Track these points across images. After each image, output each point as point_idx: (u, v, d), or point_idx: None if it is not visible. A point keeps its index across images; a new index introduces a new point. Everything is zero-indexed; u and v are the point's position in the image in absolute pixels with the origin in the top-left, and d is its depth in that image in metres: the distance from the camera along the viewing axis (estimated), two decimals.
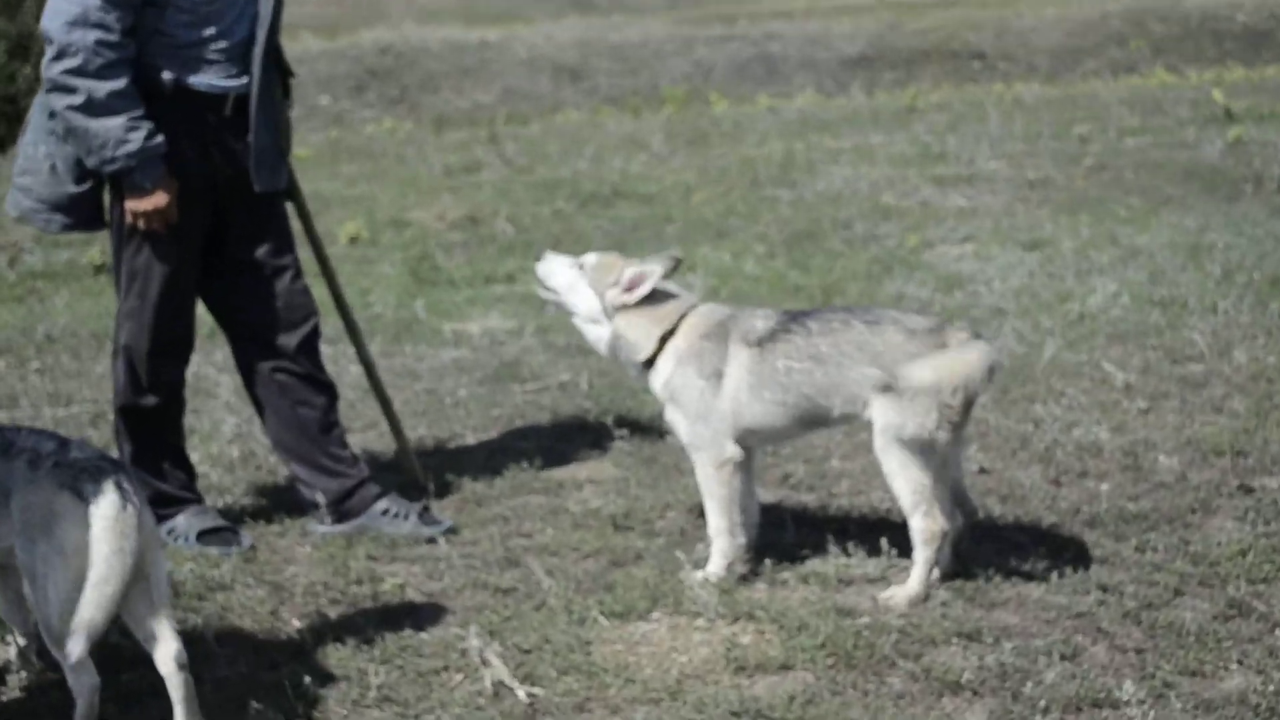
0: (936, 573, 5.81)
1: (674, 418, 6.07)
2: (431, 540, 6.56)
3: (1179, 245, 11.35)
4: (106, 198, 6.32)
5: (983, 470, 7.12)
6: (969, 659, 5.25)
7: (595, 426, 7.94)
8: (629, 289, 6.08)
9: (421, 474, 7.20)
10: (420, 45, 28.72)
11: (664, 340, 6.04)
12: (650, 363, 6.09)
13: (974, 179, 14.36)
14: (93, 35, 5.95)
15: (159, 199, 6.14)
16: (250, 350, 6.63)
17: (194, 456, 7.13)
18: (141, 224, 6.19)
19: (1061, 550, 6.12)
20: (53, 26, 5.95)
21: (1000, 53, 26.77)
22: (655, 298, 6.08)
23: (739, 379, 5.89)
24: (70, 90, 5.96)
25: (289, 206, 6.76)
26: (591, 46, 28.70)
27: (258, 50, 6.24)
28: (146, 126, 6.04)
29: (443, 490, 7.13)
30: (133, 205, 6.16)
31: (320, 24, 33.33)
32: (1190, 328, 9.11)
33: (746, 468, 6.08)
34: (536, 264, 6.44)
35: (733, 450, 5.96)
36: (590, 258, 6.25)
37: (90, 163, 6.10)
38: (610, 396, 8.48)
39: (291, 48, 24.82)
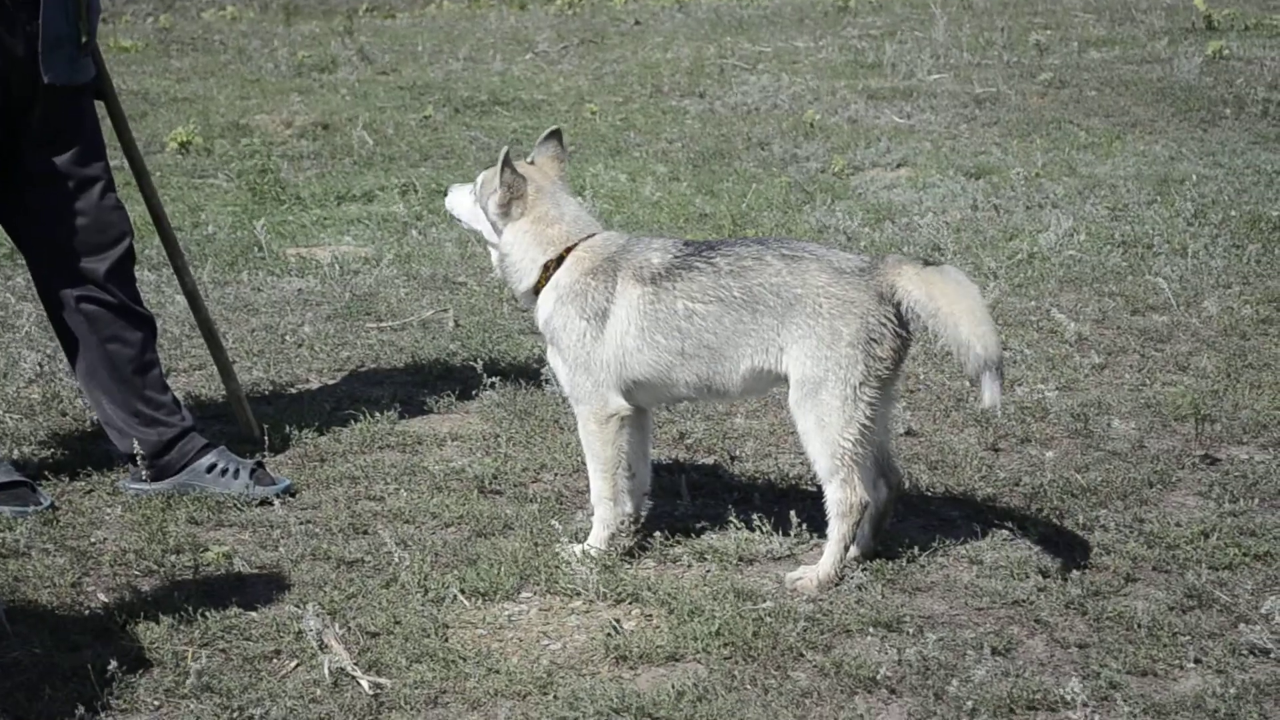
0: (853, 551, 5.85)
1: (555, 363, 6.09)
2: (265, 502, 6.53)
3: (1146, 176, 11.47)
4: None
5: (910, 432, 7.17)
6: (887, 652, 5.29)
7: (462, 373, 7.92)
8: (498, 187, 6.07)
9: (255, 424, 7.16)
10: None
11: (549, 269, 6.03)
12: (536, 293, 6.08)
13: (912, 93, 14.42)
14: None
15: None
16: (53, 276, 6.55)
17: None
18: None
19: (997, 528, 6.17)
20: None
21: None
22: (547, 217, 6.07)
23: (627, 321, 5.88)
24: None
25: (99, 106, 6.66)
26: None
27: None
28: None
29: (280, 444, 7.09)
30: None
31: None
32: (1155, 272, 9.22)
33: (639, 425, 6.09)
34: (445, 199, 6.50)
35: (618, 404, 5.97)
36: (480, 175, 6.25)
37: None
38: (480, 338, 8.46)
39: None
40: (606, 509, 6.02)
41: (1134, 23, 17.51)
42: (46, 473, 6.78)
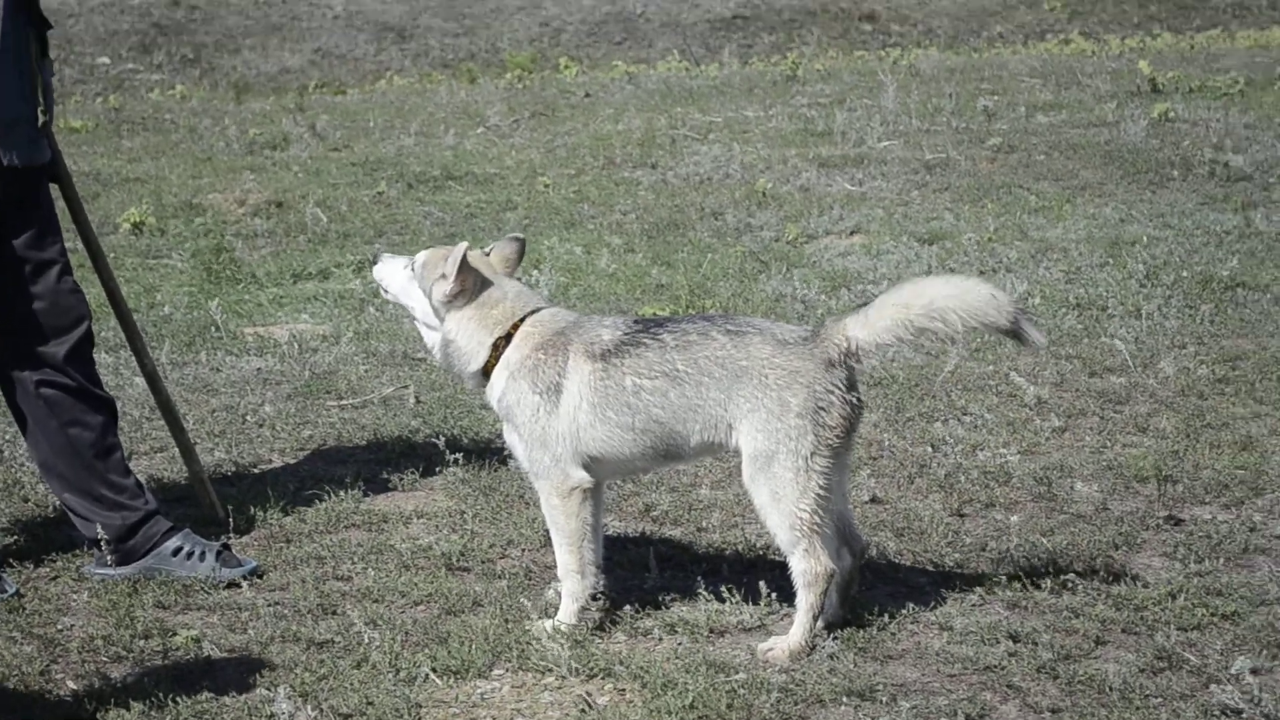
0: (821, 622, 5.85)
1: (512, 440, 6.10)
2: (232, 584, 6.50)
3: (1097, 239, 11.54)
4: None
5: (875, 500, 7.19)
6: None
7: (424, 449, 7.91)
8: (450, 280, 6.06)
9: (219, 506, 7.12)
10: None
11: (498, 348, 6.04)
12: (486, 373, 6.08)
13: (863, 161, 14.48)
14: None
15: None
16: (10, 361, 6.52)
17: None
18: None
19: (966, 593, 6.18)
20: None
21: (895, 14, 27.03)
22: (490, 299, 6.07)
23: (580, 397, 5.90)
24: None
25: (54, 189, 6.65)
26: (420, 1, 28.62)
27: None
28: None
29: (245, 525, 7.06)
30: None
31: None
32: (1110, 334, 9.28)
33: (595, 497, 6.10)
34: (373, 268, 6.49)
35: (579, 476, 5.97)
36: (421, 255, 6.25)
37: None
38: (442, 414, 8.46)
39: None
40: (574, 582, 6.02)
41: (1080, 87, 17.62)
42: (10, 560, 6.74)
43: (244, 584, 6.49)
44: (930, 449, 7.73)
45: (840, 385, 5.75)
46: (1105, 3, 27.28)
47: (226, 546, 6.71)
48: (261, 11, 27.61)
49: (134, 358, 7.33)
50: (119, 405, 6.78)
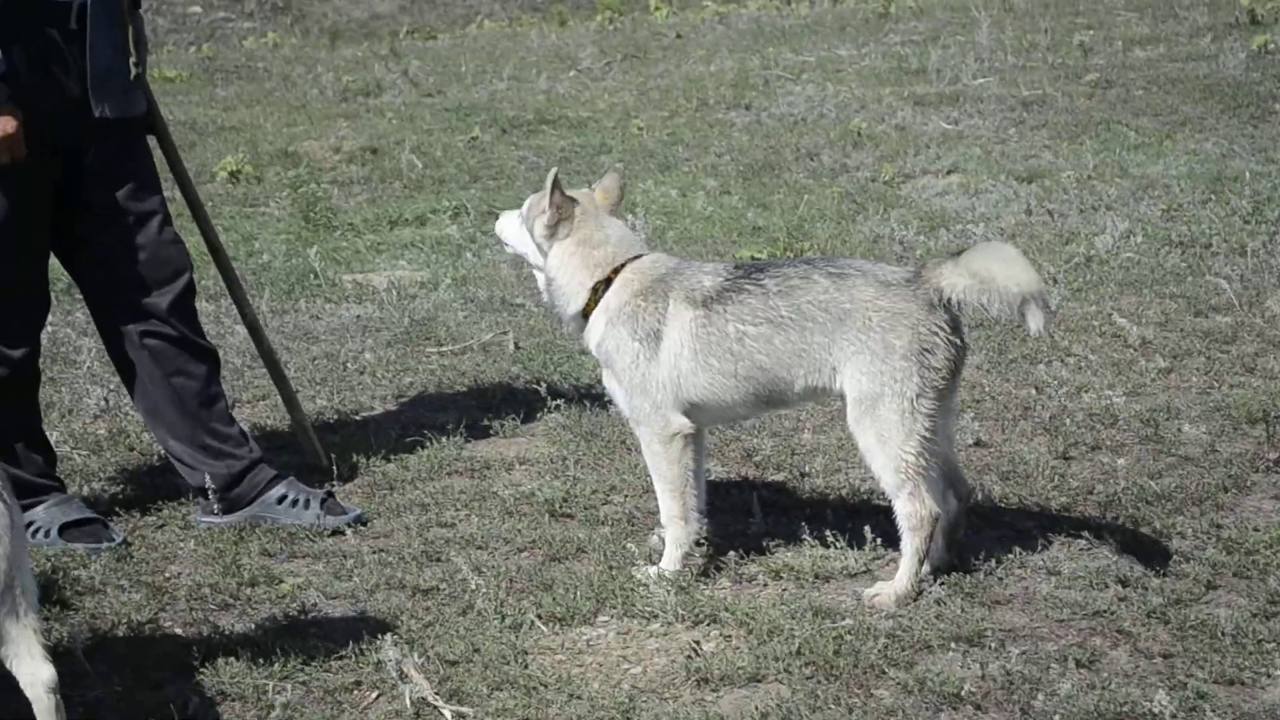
0: (927, 567, 5.80)
1: (611, 386, 6.08)
2: (337, 532, 6.52)
3: (1199, 175, 11.40)
4: None
5: (979, 443, 7.13)
6: (970, 667, 5.25)
7: (526, 395, 7.90)
8: (546, 207, 6.05)
9: (323, 454, 7.14)
10: None
11: (598, 292, 6.01)
12: (585, 316, 6.06)
13: (959, 99, 14.37)
14: None
15: (6, 124, 6.02)
16: (114, 313, 6.54)
17: (53, 436, 7.06)
18: None
19: (1074, 538, 6.12)
20: None
21: None
22: (593, 239, 6.05)
23: (680, 344, 5.87)
24: None
25: (151, 140, 6.66)
26: None
27: None
28: None
29: (348, 473, 7.08)
30: None
31: None
32: (1215, 273, 9.16)
33: (697, 443, 6.07)
34: (495, 225, 6.52)
35: (680, 422, 5.94)
36: (529, 198, 6.24)
37: None
38: (541, 360, 8.45)
39: None
40: (678, 528, 5.99)
41: (1177, 19, 17.42)
42: (117, 509, 6.78)
43: (349, 531, 6.50)
44: (1034, 391, 7.66)
45: (944, 327, 5.69)
46: None
47: (331, 494, 6.73)
48: None
49: (234, 307, 7.34)
50: (221, 354, 6.79)
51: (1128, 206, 10.72)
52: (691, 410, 5.95)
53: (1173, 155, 12.06)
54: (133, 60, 6.37)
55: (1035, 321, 5.64)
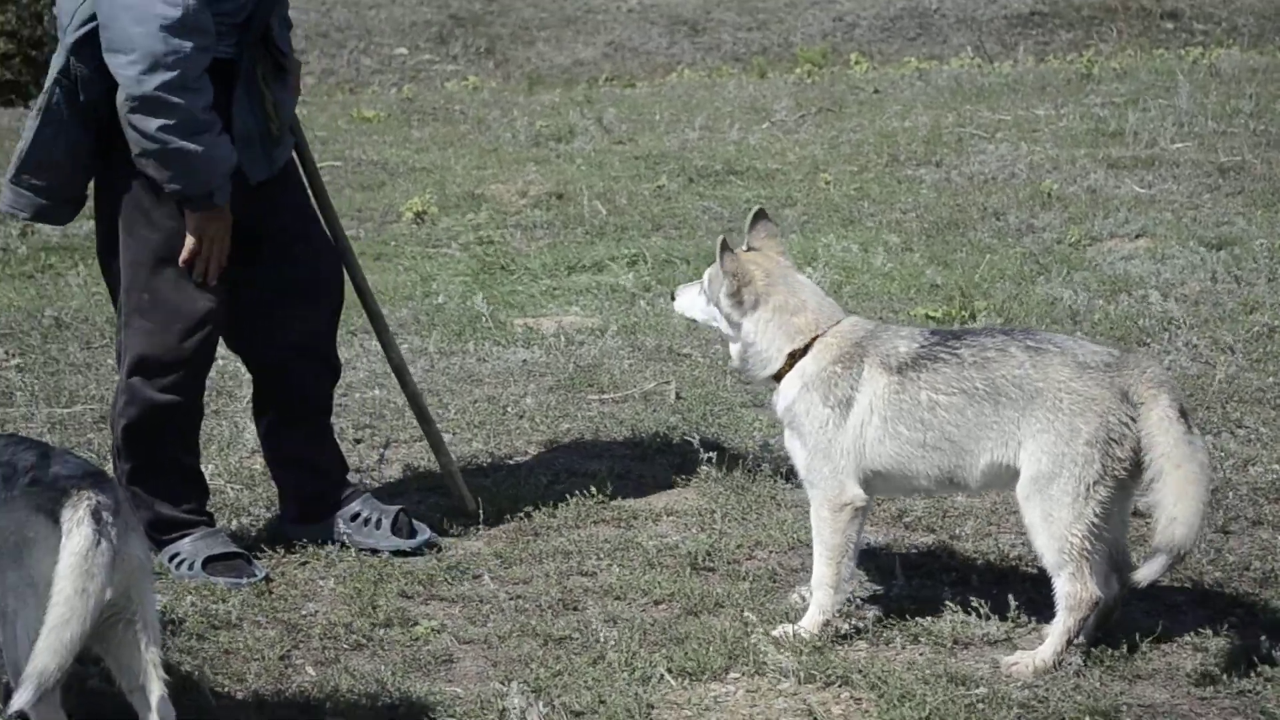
0: (1075, 649, 5.66)
1: (792, 446, 6.02)
2: (475, 577, 6.52)
3: None
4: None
5: (1136, 513, 6.93)
6: None
7: (680, 447, 7.86)
8: (733, 295, 6.02)
9: (469, 498, 7.14)
10: None
11: (794, 358, 5.97)
12: (777, 379, 6.02)
13: (1155, 162, 14.14)
14: (191, 43, 5.98)
15: (227, 215, 6.27)
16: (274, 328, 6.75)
17: (208, 469, 7.14)
18: (206, 247, 6.26)
19: (1225, 614, 5.97)
20: (140, 32, 5.93)
21: (1197, 11, 26.43)
22: (790, 305, 6.00)
23: (870, 410, 5.82)
24: (167, 108, 5.99)
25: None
26: None
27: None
28: (227, 138, 6.16)
29: (495, 517, 7.08)
30: (203, 227, 6.24)
31: None
32: None
33: (863, 516, 6.01)
34: (674, 304, 6.52)
35: (854, 492, 5.88)
36: (708, 272, 6.21)
37: (175, 187, 6.13)
38: (701, 411, 8.41)
39: None
40: (826, 595, 5.92)
41: None
42: (262, 545, 6.82)
43: (488, 576, 6.50)
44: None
45: (1134, 419, 5.58)
46: None
47: (404, 512, 6.84)
48: (557, 4, 27.85)
49: (382, 350, 7.39)
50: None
51: None
52: (872, 480, 5.89)
53: None
54: (271, 122, 6.45)
55: (1150, 572, 5.50)
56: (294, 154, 6.75)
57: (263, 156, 6.39)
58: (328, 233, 6.82)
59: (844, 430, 5.84)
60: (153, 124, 5.98)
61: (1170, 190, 13.25)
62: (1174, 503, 5.44)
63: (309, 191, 6.79)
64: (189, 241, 6.24)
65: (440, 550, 6.72)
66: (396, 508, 6.83)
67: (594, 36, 26.49)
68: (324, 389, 6.86)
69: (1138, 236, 11.87)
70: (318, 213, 6.79)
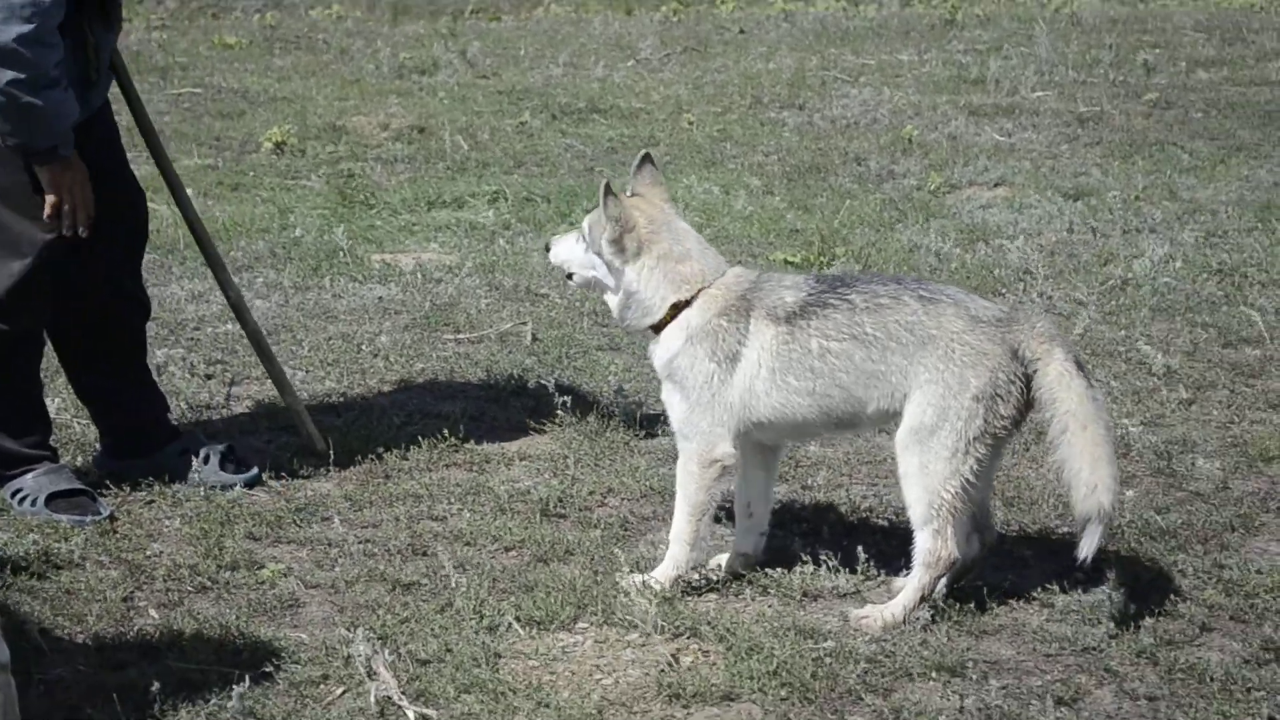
0: (926, 607, 5.63)
1: (671, 399, 5.91)
2: (324, 519, 6.44)
3: (1248, 202, 11.20)
4: None
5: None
6: (949, 698, 5.13)
7: (536, 390, 7.78)
8: (614, 241, 5.91)
9: (318, 437, 7.05)
10: None
11: (676, 309, 5.88)
12: (657, 329, 5.93)
13: (1015, 110, 14.19)
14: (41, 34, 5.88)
15: (80, 164, 6.16)
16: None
17: (52, 403, 7.00)
18: (67, 199, 6.14)
19: (1070, 570, 5.95)
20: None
21: None
22: (674, 253, 5.90)
23: (759, 363, 5.73)
24: (19, 61, 5.82)
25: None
26: None
27: None
28: (72, 94, 6.05)
29: (346, 458, 6.98)
30: (58, 180, 6.12)
31: None
32: (1250, 303, 8.97)
33: (765, 464, 5.98)
34: (549, 256, 6.33)
35: (725, 449, 5.79)
36: (586, 219, 6.08)
37: (16, 140, 6.00)
38: (557, 353, 8.34)
39: None
40: (682, 550, 5.86)
41: (1245, 43, 17.19)
42: (107, 481, 6.70)
43: (337, 519, 6.41)
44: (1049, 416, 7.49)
45: (1021, 377, 5.55)
46: None
47: (232, 448, 6.82)
48: None
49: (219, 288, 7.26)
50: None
51: (1171, 230, 10.53)
52: (757, 429, 5.82)
53: (1224, 180, 11.86)
54: (92, 69, 6.30)
55: (1089, 546, 5.48)
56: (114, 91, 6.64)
57: (80, 100, 6.23)
58: (132, 172, 6.69)
59: (729, 385, 5.75)
60: (3, 77, 5.83)
61: (1029, 139, 13.31)
62: (1090, 469, 5.43)
63: (115, 129, 6.65)
64: (49, 198, 6.11)
65: (262, 483, 6.67)
66: (224, 444, 6.79)
67: None
68: (134, 324, 6.76)
69: (996, 185, 11.91)
70: (123, 151, 6.65)
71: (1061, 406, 5.48)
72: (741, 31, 18.72)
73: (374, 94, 15.17)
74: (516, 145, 13.23)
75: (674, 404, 5.88)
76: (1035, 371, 5.51)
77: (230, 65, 16.50)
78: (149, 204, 6.86)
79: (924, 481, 5.57)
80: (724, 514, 6.10)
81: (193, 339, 8.52)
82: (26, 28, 5.78)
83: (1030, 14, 19.36)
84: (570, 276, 6.20)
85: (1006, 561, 6.09)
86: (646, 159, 6.12)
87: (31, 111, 5.90)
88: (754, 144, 13.26)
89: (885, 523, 6.40)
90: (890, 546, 5.99)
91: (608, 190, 5.86)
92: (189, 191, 7.15)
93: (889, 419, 5.73)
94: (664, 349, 5.89)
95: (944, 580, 5.64)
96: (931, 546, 5.59)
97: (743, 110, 14.54)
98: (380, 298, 9.24)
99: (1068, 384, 5.49)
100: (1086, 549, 5.47)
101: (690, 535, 5.84)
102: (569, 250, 6.14)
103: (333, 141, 13.29)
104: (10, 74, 5.82)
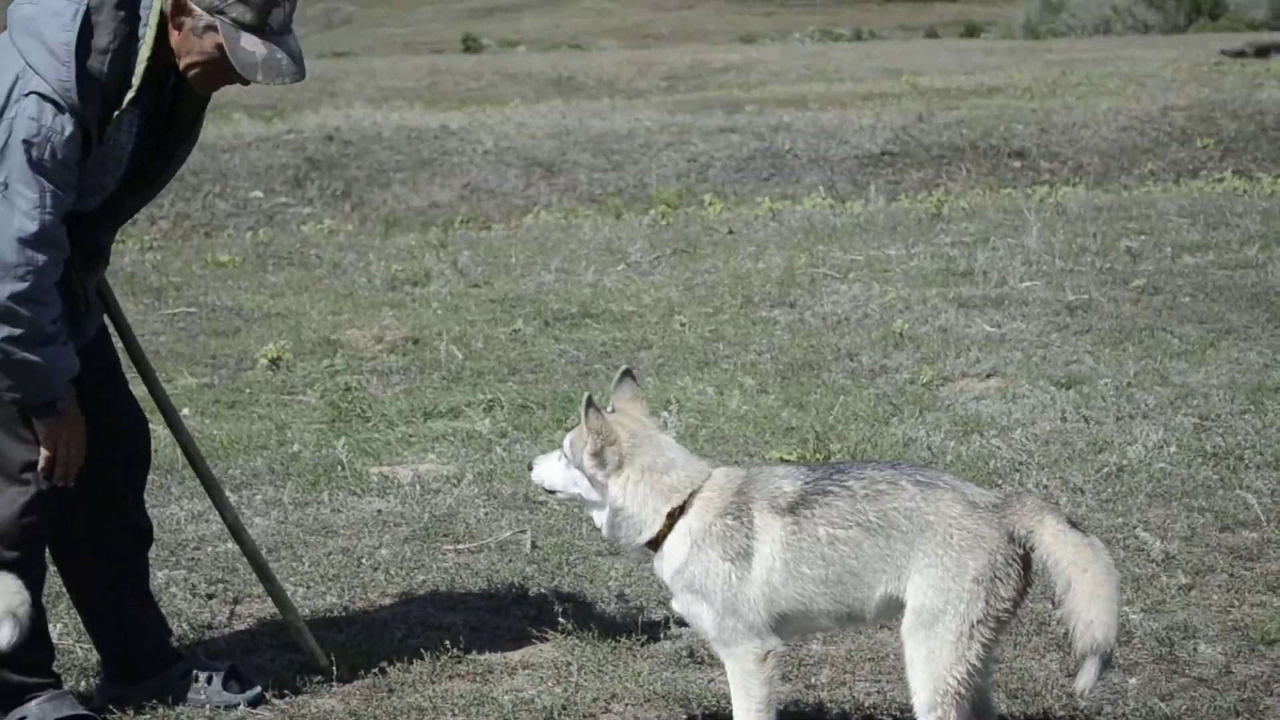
0: None
1: (695, 610, 5.94)
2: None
3: (1239, 385, 11.29)
4: None
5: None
6: None
7: (537, 598, 7.82)
8: (596, 455, 5.97)
9: (320, 654, 7.07)
10: (371, 132, 28.86)
11: (673, 518, 5.93)
12: (655, 544, 5.97)
13: (1004, 301, 14.33)
14: (45, 256, 5.96)
15: (77, 417, 6.24)
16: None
17: (55, 629, 7.03)
18: (61, 452, 6.23)
19: None
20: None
21: (1044, 150, 26.85)
22: (657, 465, 5.97)
23: (773, 555, 5.79)
24: (14, 318, 5.95)
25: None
26: (570, 136, 28.82)
27: None
28: (71, 348, 6.15)
29: (349, 673, 7.00)
30: (54, 435, 6.22)
31: (257, 104, 33.49)
32: (1246, 486, 9.03)
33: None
34: (531, 474, 6.38)
35: (774, 641, 5.85)
36: (567, 437, 6.16)
37: (14, 395, 6.11)
38: (557, 560, 8.38)
39: (223, 131, 24.91)
40: None
41: (1229, 226, 17.38)
42: (111, 706, 6.72)
43: None
44: (1050, 605, 7.52)
45: (1019, 559, 5.65)
46: (1259, 140, 26.95)
47: (235, 667, 6.84)
48: (413, 147, 27.91)
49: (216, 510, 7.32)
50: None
51: (1165, 415, 10.61)
52: (779, 624, 5.86)
53: (1215, 364, 11.95)
54: (80, 301, 6.40)
55: (1088, 679, 5.55)
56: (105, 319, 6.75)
57: (74, 332, 6.32)
58: (134, 397, 6.77)
59: (749, 582, 5.79)
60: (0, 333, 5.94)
61: (1020, 329, 13.43)
62: (1087, 607, 5.52)
63: (114, 355, 6.75)
64: (43, 452, 6.20)
65: (266, 701, 6.70)
66: (227, 664, 6.82)
67: (450, 179, 26.54)
68: (136, 549, 6.83)
69: (989, 376, 12.00)
70: (124, 377, 6.75)
71: (1063, 561, 5.57)
72: (730, 232, 18.91)
73: (367, 307, 15.31)
74: (510, 353, 13.34)
75: (701, 614, 5.90)
76: (1033, 545, 5.60)
77: (224, 283, 16.66)
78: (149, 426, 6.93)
79: (930, 668, 5.62)
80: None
81: (193, 559, 8.56)
82: (21, 286, 5.89)
83: (1016, 205, 19.58)
84: (554, 493, 6.25)
85: None
86: (627, 374, 6.21)
87: (29, 368, 6.00)
88: (746, 343, 13.37)
89: (891, 719, 6.42)
90: None
91: (589, 404, 5.93)
92: (185, 411, 7.23)
93: (895, 608, 5.78)
94: (670, 561, 5.93)
95: None
96: None
97: (734, 310, 14.67)
98: (379, 510, 9.29)
99: (1063, 540, 5.58)
100: (1084, 683, 5.55)
101: None
102: (551, 468, 6.20)
103: (328, 355, 13.39)
104: (6, 330, 5.92)
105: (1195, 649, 7.01)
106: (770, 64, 46.65)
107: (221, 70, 6.14)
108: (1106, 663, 5.57)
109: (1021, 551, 5.63)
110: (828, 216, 19.92)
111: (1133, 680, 6.70)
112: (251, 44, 6.05)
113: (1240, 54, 47.41)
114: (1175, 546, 8.19)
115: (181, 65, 6.17)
